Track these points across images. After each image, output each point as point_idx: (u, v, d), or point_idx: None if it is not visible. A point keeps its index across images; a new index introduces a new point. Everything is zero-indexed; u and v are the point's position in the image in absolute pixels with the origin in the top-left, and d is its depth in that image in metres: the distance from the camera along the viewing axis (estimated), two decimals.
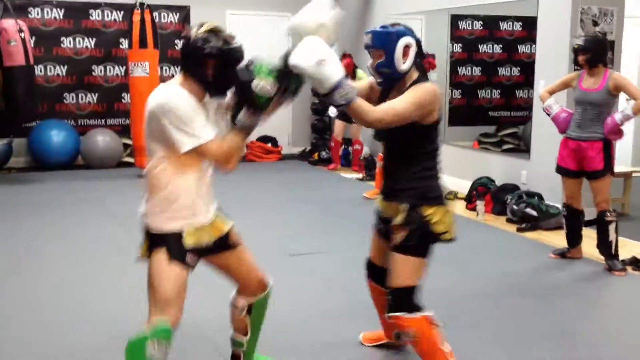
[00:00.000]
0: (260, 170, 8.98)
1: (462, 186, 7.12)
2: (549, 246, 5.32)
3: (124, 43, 9.14)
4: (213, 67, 2.52)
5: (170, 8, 9.32)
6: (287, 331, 3.55)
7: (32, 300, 4.04)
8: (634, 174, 6.87)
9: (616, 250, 4.70)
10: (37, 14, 8.82)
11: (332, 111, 8.70)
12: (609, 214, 4.64)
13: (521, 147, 9.68)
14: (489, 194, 6.46)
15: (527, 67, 10.29)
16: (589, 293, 4.38)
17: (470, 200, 6.68)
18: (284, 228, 5.83)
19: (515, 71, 10.15)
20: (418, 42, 2.78)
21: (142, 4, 7.77)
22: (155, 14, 8.57)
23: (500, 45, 10.04)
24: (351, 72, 8.16)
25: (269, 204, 6.90)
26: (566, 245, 5.01)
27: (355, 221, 6.07)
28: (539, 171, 6.34)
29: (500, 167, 6.99)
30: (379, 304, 3.17)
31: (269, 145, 9.83)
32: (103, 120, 9.23)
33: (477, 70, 9.88)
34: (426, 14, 8.95)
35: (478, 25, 9.87)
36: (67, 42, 8.97)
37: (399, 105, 2.67)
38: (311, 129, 10.16)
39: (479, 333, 3.60)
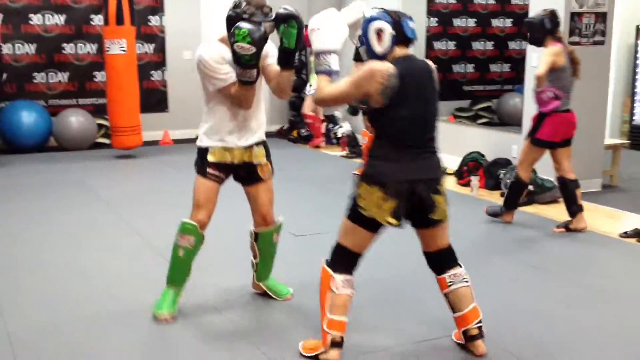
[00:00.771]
0: None
1: (450, 162, 7.10)
2: (547, 219, 5.35)
3: (96, 19, 8.81)
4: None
5: None
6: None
7: (47, 290, 3.85)
8: (622, 147, 6.95)
9: (506, 203, 5.19)
10: None
11: (309, 90, 8.62)
12: (513, 176, 5.14)
13: (494, 121, 9.77)
14: (481, 169, 6.45)
15: (501, 42, 10.39)
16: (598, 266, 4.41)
17: (461, 175, 6.66)
18: (283, 207, 5.68)
19: (489, 45, 10.18)
20: (397, 24, 2.83)
21: None
22: None
23: (474, 20, 10.05)
24: None
25: None
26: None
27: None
28: None
29: (489, 142, 6.98)
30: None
31: None
32: (75, 100, 8.90)
33: (451, 45, 9.87)
34: None
35: None
36: (35, 19, 8.58)
37: (339, 85, 2.89)
38: (289, 106, 10.00)
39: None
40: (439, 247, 3.02)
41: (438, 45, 9.80)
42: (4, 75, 8.26)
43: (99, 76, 8.92)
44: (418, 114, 2.83)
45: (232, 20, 3.15)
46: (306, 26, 3.05)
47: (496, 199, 6.02)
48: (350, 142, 8.65)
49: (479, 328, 3.01)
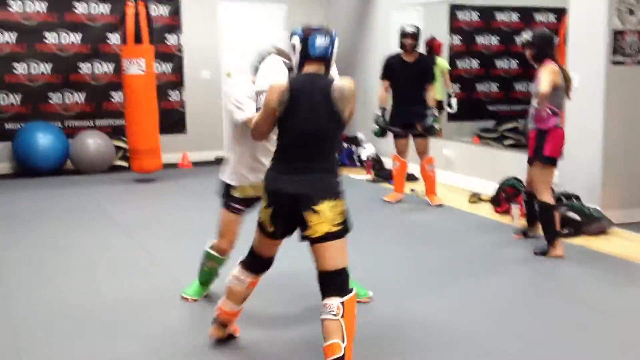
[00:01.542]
0: None
1: (482, 187, 6.78)
2: (598, 253, 4.99)
3: (112, 38, 8.56)
4: None
5: (160, 0, 8.75)
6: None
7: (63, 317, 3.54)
8: None
9: (548, 236, 4.89)
10: (19, 8, 8.19)
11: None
12: (538, 203, 4.91)
13: (522, 142, 9.41)
14: (520, 196, 6.09)
15: (525, 60, 10.06)
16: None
17: (498, 202, 6.31)
18: None
19: (513, 63, 9.86)
20: (304, 41, 2.90)
21: None
22: None
23: (498, 37, 9.74)
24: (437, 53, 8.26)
25: None
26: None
27: (390, 229, 5.70)
28: (573, 171, 5.99)
29: (525, 165, 6.60)
30: None
31: None
32: (92, 122, 8.65)
33: (475, 63, 9.56)
34: (425, 5, 8.61)
35: (475, 16, 9.55)
36: (51, 38, 8.35)
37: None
38: None
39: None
40: (323, 268, 2.88)
41: (461, 63, 9.49)
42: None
43: (116, 96, 8.67)
44: (306, 130, 2.88)
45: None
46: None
47: (538, 228, 5.66)
48: (375, 166, 8.33)
49: None
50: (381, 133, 6.53)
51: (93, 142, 8.15)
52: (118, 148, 8.46)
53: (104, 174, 8.14)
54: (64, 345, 3.35)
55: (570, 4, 5.97)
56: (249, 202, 3.64)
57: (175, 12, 8.91)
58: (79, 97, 8.57)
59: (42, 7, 8.27)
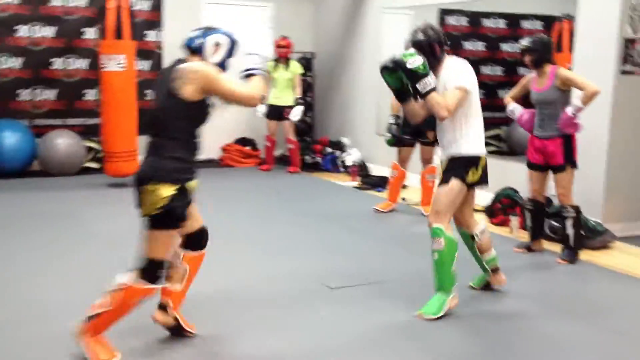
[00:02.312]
0: (244, 177, 8.16)
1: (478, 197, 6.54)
2: (603, 269, 4.78)
3: (88, 32, 8.13)
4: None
5: None
6: None
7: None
8: None
9: (575, 243, 4.87)
10: None
11: (261, 110, 8.19)
12: (566, 210, 4.86)
13: (504, 150, 9.25)
14: (518, 208, 5.87)
15: (510, 67, 9.91)
16: None
17: (493, 213, 6.07)
18: (308, 252, 5.03)
19: (498, 70, 9.70)
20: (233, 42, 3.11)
21: None
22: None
23: (484, 43, 9.58)
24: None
25: (274, 219, 6.06)
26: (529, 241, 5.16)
27: (381, 240, 5.40)
28: (575, 182, 5.78)
29: (523, 176, 6.37)
30: None
31: (248, 148, 9.00)
32: (63, 120, 8.17)
33: None
34: (415, 9, 8.42)
35: (464, 21, 9.41)
36: (22, 31, 7.87)
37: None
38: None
39: None
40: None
41: None
42: None
43: (90, 94, 8.23)
44: (150, 109, 3.05)
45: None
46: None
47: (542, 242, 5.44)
48: (360, 172, 8.05)
49: None
50: (395, 142, 6.24)
51: (63, 142, 7.69)
52: (89, 149, 8.01)
53: (74, 177, 7.67)
54: None
55: (579, 11, 5.77)
56: None
57: (157, 8, 8.51)
58: (50, 94, 8.10)
59: None
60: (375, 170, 8.13)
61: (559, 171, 4.87)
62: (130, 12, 6.89)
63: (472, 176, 3.79)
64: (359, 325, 3.58)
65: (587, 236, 5.22)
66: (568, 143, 4.84)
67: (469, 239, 4.04)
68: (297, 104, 8.17)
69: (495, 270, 4.14)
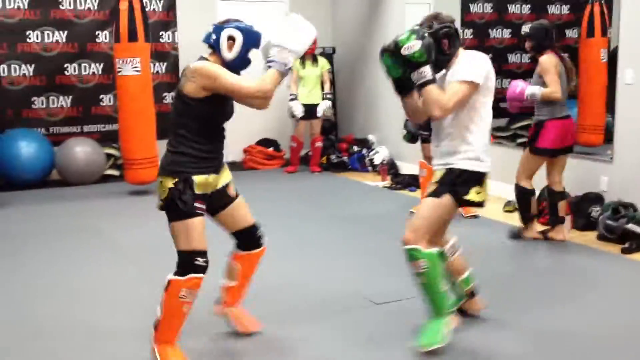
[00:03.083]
0: (269, 179, 7.83)
1: (504, 191, 6.16)
2: None
3: (102, 36, 7.84)
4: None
5: None
6: None
7: None
8: None
9: (522, 220, 5.10)
10: None
11: (298, 110, 7.82)
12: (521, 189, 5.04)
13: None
14: (567, 206, 5.48)
15: None
16: None
17: (541, 212, 5.69)
18: (346, 262, 4.69)
19: (525, 58, 9.32)
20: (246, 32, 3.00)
21: None
22: None
23: (510, 30, 9.20)
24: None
25: (306, 223, 5.73)
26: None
27: None
28: (626, 177, 5.40)
29: (569, 172, 5.96)
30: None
31: (271, 149, 8.67)
32: (79, 127, 7.91)
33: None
34: None
35: (489, 8, 9.04)
36: (34, 37, 7.59)
37: None
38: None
39: None
40: None
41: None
42: None
43: (106, 99, 7.96)
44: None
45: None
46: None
47: (594, 242, 5.07)
48: (390, 171, 7.70)
49: None
50: (410, 138, 5.92)
51: (81, 150, 7.41)
52: (109, 156, 7.73)
53: (94, 185, 7.41)
54: None
55: None
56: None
57: (170, 7, 8.19)
58: (65, 101, 7.83)
59: (23, 4, 7.52)
60: (405, 168, 7.77)
61: (554, 155, 4.96)
62: (143, 13, 6.56)
63: (475, 196, 3.14)
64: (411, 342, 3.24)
65: None
66: (538, 129, 4.90)
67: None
68: (325, 99, 7.87)
69: (471, 295, 3.50)
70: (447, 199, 3.13)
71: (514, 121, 8.84)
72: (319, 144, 8.14)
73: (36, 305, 3.91)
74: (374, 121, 8.61)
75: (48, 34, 7.64)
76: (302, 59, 7.83)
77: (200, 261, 2.93)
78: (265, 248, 3.31)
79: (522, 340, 3.34)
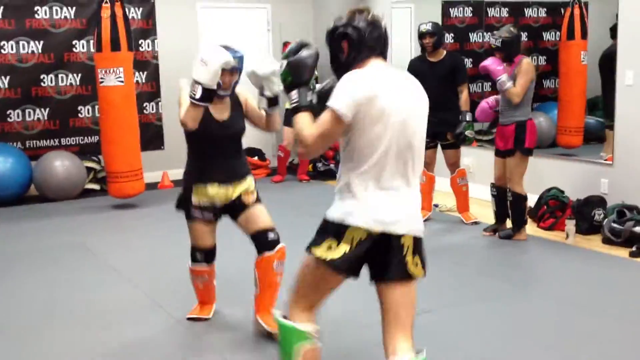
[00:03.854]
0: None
1: None
2: None
3: (79, 45, 7.58)
4: None
5: (131, 2, 7.77)
6: None
7: None
8: None
9: (514, 226, 5.17)
10: None
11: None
12: (510, 193, 5.08)
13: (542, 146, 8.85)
14: (569, 210, 5.41)
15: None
16: None
17: (541, 217, 5.61)
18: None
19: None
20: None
21: None
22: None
23: (490, 34, 9.18)
24: None
25: (304, 236, 5.56)
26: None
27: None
28: (626, 180, 5.35)
29: (569, 175, 5.90)
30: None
31: (256, 158, 8.48)
32: (57, 141, 7.62)
33: (467, 62, 8.95)
34: (416, 2, 8.03)
35: (469, 12, 9.01)
36: (8, 47, 7.29)
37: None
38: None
39: None
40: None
41: None
42: None
43: (85, 111, 7.69)
44: None
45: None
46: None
47: (599, 246, 5.00)
48: None
49: None
50: None
51: (61, 164, 7.11)
52: (89, 169, 7.46)
53: (75, 201, 7.12)
54: None
55: None
56: None
57: (150, 15, 7.96)
58: (41, 114, 7.53)
59: None
60: None
61: (508, 155, 5.06)
62: (126, 22, 6.34)
63: (326, 252, 2.43)
64: None
65: None
66: (520, 130, 4.97)
67: None
68: None
69: None
70: (306, 255, 2.59)
71: (494, 125, 8.82)
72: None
73: (31, 332, 3.67)
74: None
75: (23, 45, 7.35)
76: None
77: (198, 255, 3.56)
78: (279, 251, 3.42)
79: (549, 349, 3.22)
